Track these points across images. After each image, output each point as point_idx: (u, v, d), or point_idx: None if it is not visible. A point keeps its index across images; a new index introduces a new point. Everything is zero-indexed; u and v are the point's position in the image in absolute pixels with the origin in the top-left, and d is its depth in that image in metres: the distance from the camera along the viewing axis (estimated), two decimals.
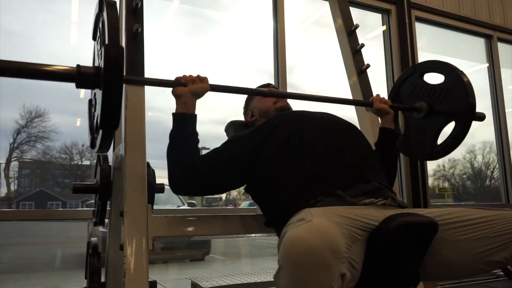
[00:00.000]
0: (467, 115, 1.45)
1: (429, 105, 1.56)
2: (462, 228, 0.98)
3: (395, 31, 3.30)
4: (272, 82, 1.72)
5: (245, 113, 1.61)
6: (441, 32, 3.68)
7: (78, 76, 1.03)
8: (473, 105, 1.44)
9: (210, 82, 1.29)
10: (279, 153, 1.19)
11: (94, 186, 1.50)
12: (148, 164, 1.34)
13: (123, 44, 1.37)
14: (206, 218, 1.33)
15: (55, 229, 11.78)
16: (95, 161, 1.62)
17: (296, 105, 1.57)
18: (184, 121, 1.22)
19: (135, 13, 1.39)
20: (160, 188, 1.55)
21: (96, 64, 1.22)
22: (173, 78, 1.27)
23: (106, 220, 1.60)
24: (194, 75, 1.27)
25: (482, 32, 3.87)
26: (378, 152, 1.49)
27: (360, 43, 1.93)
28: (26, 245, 9.32)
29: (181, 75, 1.27)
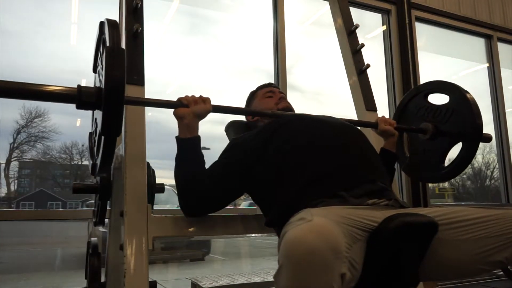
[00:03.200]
0: (474, 136, 1.42)
1: (434, 127, 1.54)
2: (462, 228, 0.97)
3: (395, 31, 3.30)
4: (271, 82, 1.72)
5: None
6: (441, 32, 3.68)
7: (79, 97, 1.01)
8: (479, 125, 1.42)
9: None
10: (281, 154, 1.19)
11: (94, 186, 1.50)
12: (148, 164, 1.34)
13: (123, 44, 1.37)
14: (206, 218, 1.33)
15: (55, 229, 11.78)
16: None
17: (296, 105, 1.57)
18: (189, 145, 1.23)
19: (135, 13, 1.39)
20: (160, 188, 1.55)
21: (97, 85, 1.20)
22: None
23: (106, 220, 1.60)
24: (197, 95, 1.27)
25: (482, 32, 3.87)
26: None
27: (360, 43, 1.93)
28: (26, 245, 9.32)
29: (184, 96, 1.26)
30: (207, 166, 1.26)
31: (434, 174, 1.54)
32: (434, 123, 1.55)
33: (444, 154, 1.51)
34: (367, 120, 1.72)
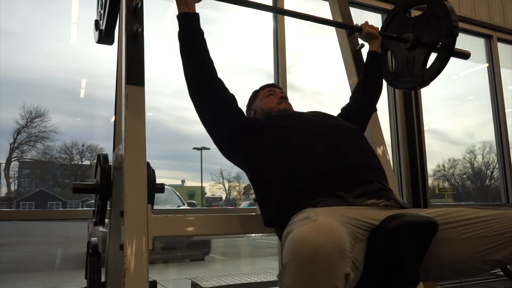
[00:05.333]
0: (451, 31, 1.46)
1: (415, 36, 1.60)
2: (461, 228, 0.98)
3: None
4: (270, 81, 1.72)
5: (247, 113, 1.62)
6: None
7: None
8: (453, 18, 1.46)
9: None
10: (279, 153, 1.19)
11: (94, 186, 1.50)
12: (148, 164, 1.34)
13: (123, 44, 1.37)
14: (206, 218, 1.33)
15: (55, 229, 11.78)
16: (95, 161, 1.63)
17: (296, 105, 1.57)
18: (190, 20, 1.28)
19: (135, 13, 1.39)
20: (160, 188, 1.55)
21: None
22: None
23: (106, 220, 1.61)
24: None
25: (482, 32, 3.87)
26: (365, 73, 1.62)
27: (360, 43, 1.93)
28: (26, 245, 9.32)
29: None
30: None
31: (418, 79, 1.59)
32: (414, 33, 1.61)
33: (426, 58, 1.56)
34: (352, 25, 1.82)
